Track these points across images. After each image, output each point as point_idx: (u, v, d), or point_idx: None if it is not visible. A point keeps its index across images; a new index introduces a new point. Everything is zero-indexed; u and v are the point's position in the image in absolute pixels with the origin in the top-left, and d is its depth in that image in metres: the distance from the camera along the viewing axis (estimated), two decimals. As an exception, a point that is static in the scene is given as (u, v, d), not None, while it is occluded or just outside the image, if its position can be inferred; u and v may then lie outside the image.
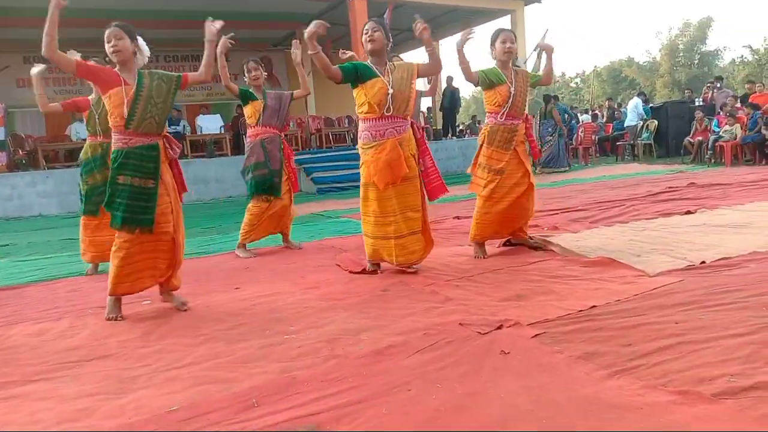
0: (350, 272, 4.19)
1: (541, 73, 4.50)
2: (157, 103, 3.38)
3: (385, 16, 12.61)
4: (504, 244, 4.73)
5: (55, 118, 13.25)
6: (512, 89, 4.25)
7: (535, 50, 15.76)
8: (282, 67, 18.08)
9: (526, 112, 4.47)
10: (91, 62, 3.62)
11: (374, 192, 3.92)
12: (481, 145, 4.40)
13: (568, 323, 2.77)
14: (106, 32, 3.31)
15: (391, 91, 3.84)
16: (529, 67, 15.97)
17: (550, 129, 14.06)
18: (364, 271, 4.15)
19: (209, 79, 3.70)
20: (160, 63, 17.02)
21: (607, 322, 2.75)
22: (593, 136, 15.76)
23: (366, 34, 3.95)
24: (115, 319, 3.38)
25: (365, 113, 3.92)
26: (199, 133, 13.64)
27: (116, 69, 3.39)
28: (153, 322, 3.30)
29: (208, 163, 11.96)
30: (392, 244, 3.94)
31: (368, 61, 3.99)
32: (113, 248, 3.41)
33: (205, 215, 8.91)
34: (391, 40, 4.06)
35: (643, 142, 14.36)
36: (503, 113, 4.28)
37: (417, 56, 19.98)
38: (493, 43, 4.34)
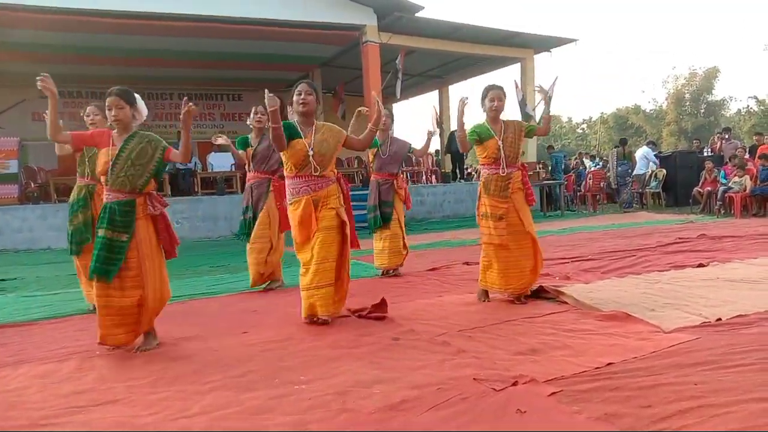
0: (359, 316, 4.15)
1: (538, 122, 4.63)
2: (135, 164, 3.58)
3: (397, 60, 12.87)
4: (516, 294, 4.68)
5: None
6: (500, 142, 4.40)
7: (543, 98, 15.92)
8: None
9: (523, 160, 4.62)
10: (89, 130, 3.88)
11: (295, 246, 4.10)
12: (480, 196, 4.56)
13: (585, 381, 2.71)
14: (107, 100, 3.58)
15: (311, 152, 3.97)
16: (538, 115, 16.29)
17: (629, 170, 14.38)
18: (363, 313, 4.14)
19: (187, 161, 3.94)
20: (174, 100, 17.32)
21: (624, 381, 2.69)
22: (601, 183, 15.80)
23: (299, 95, 4.06)
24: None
25: (286, 172, 4.10)
26: (210, 170, 13.76)
27: (115, 130, 3.65)
28: (161, 366, 3.25)
29: (218, 201, 12.01)
30: (309, 296, 4.02)
31: (295, 121, 4.12)
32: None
33: (214, 253, 8.92)
34: (321, 102, 4.22)
35: (651, 190, 14.38)
36: (494, 164, 4.46)
37: (428, 100, 20.23)
38: (483, 100, 4.54)
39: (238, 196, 12.33)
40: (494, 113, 4.47)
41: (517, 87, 15.49)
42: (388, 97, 17.59)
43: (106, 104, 3.60)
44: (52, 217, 10.43)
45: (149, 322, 3.67)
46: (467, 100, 4.38)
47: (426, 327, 3.81)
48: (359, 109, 5.91)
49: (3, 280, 6.92)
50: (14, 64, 13.78)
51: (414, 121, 66.84)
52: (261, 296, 5.36)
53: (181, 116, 3.66)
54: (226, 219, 11.63)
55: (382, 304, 4.17)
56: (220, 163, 13.65)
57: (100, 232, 3.54)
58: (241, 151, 5.61)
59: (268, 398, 2.67)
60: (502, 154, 4.41)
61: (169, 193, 13.01)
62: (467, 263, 6.45)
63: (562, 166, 16.61)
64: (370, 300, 4.65)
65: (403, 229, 6.15)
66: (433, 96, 19.93)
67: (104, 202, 3.61)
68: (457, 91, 19.45)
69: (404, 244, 6.11)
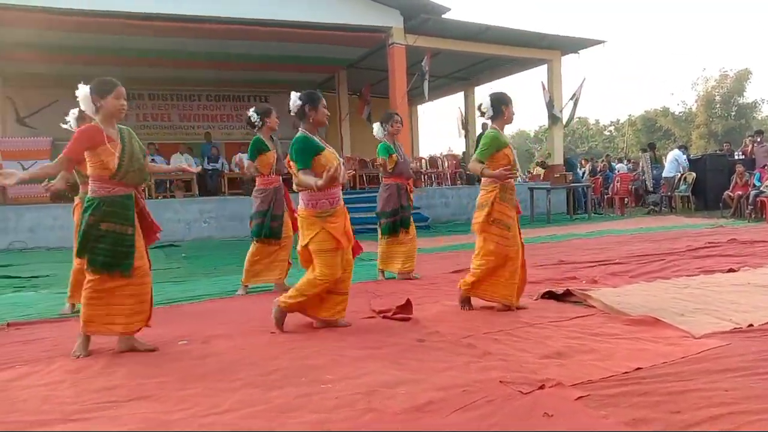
0: (384, 317, 4.17)
1: (566, 124, 4.70)
2: (139, 158, 3.63)
3: (423, 62, 12.86)
4: (543, 296, 4.66)
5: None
6: (515, 151, 4.53)
7: (571, 99, 15.87)
8: (319, 109, 18.38)
9: (549, 162, 4.64)
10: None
11: (331, 257, 3.87)
12: (492, 203, 4.30)
13: (613, 385, 2.69)
14: (118, 89, 3.61)
15: (342, 160, 4.03)
16: (565, 116, 16.14)
17: (660, 173, 14.68)
18: (388, 314, 4.17)
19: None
20: (202, 102, 17.54)
21: (653, 386, 2.67)
22: (629, 186, 15.60)
23: (326, 108, 4.05)
24: (79, 357, 3.48)
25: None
26: (236, 170, 13.89)
27: (97, 123, 3.55)
28: (190, 363, 3.31)
29: (244, 201, 12.10)
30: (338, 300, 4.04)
31: (306, 133, 3.95)
32: (84, 289, 3.55)
33: (241, 252, 8.97)
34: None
35: (680, 194, 14.16)
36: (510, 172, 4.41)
37: (453, 101, 20.19)
38: (504, 106, 4.47)
39: (265, 196, 12.45)
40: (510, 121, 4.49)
41: (544, 89, 15.38)
42: (414, 98, 17.61)
43: (116, 93, 3.60)
44: (83, 216, 10.62)
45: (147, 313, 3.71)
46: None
47: (451, 329, 3.81)
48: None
49: (36, 277, 7.09)
50: (45, 65, 14.11)
51: (439, 122, 66.52)
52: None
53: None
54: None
55: (407, 305, 4.18)
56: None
57: (104, 226, 3.49)
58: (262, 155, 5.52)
59: (295, 396, 2.70)
60: (517, 163, 4.47)
61: (197, 193, 13.20)
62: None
63: (578, 169, 16.56)
64: (393, 301, 4.68)
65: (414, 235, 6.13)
66: (458, 97, 19.89)
67: (102, 196, 3.50)
68: (483, 92, 19.38)
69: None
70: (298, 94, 4.02)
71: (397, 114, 6.16)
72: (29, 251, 10.11)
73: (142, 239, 3.67)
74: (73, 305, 4.80)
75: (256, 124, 5.47)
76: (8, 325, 4.43)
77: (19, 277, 7.04)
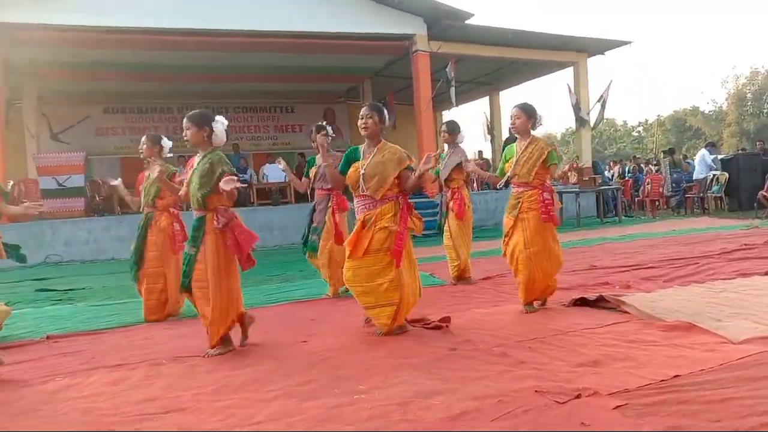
0: (423, 326, 4.16)
1: (593, 127, 4.73)
2: (201, 182, 3.78)
3: (447, 69, 12.85)
4: (575, 303, 4.61)
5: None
6: (514, 159, 4.54)
7: (598, 101, 15.69)
8: (344, 118, 18.55)
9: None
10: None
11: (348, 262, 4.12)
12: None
13: (651, 394, 2.65)
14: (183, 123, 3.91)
15: (362, 171, 4.01)
16: (592, 119, 15.95)
17: (682, 177, 14.61)
18: (426, 325, 4.14)
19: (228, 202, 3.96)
20: (230, 113, 17.76)
21: (692, 395, 2.61)
22: (660, 188, 15.34)
23: (361, 119, 4.11)
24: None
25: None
26: (264, 181, 14.05)
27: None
28: (225, 374, 3.35)
29: (272, 211, 12.26)
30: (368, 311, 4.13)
31: (365, 144, 4.18)
32: None
33: (270, 262, 9.08)
34: (386, 122, 4.17)
35: (713, 195, 13.88)
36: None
37: (479, 106, 20.15)
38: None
39: (292, 206, 12.60)
40: (514, 129, 4.64)
41: (570, 91, 15.25)
42: (438, 104, 17.60)
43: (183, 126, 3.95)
44: (116, 229, 10.86)
45: (215, 334, 3.80)
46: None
47: (483, 337, 3.79)
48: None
49: (72, 289, 7.24)
50: (78, 83, 14.48)
51: (465, 127, 66.23)
52: (317, 305, 5.44)
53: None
54: (280, 229, 11.85)
55: (445, 320, 4.15)
56: (275, 174, 13.92)
57: (185, 248, 3.94)
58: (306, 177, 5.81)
59: (330, 407, 2.71)
60: (512, 171, 4.55)
61: (226, 204, 13.35)
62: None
63: (607, 171, 16.43)
64: (424, 309, 4.68)
65: (455, 239, 6.13)
66: (483, 102, 19.83)
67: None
68: (508, 96, 19.30)
69: (458, 255, 6.09)
70: None
71: (444, 123, 6.30)
72: (64, 264, 10.34)
73: (212, 264, 3.75)
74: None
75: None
76: (48, 337, 4.54)
77: (56, 290, 7.20)
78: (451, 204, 6.13)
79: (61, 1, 10.78)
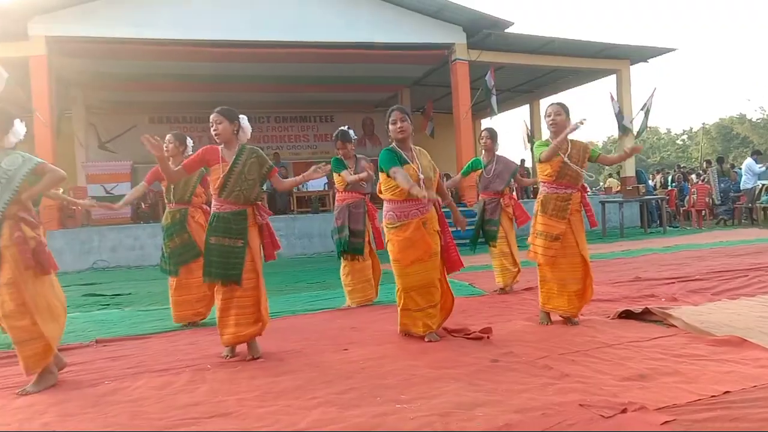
0: (464, 336, 4.13)
1: (636, 136, 4.58)
2: (248, 179, 3.86)
3: (487, 77, 12.81)
4: (619, 316, 4.52)
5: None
6: (566, 160, 4.32)
7: (642, 109, 15.40)
8: (383, 127, 18.56)
9: (623, 174, 4.51)
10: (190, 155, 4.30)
11: (400, 269, 4.10)
12: (536, 214, 4.50)
13: (701, 410, 2.57)
14: (210, 116, 3.91)
15: (422, 176, 4.02)
16: (636, 126, 15.65)
17: (731, 186, 14.37)
18: (468, 335, 4.11)
19: (283, 188, 4.28)
20: (271, 123, 18.05)
21: (744, 412, 2.53)
22: (707, 198, 14.95)
23: (395, 124, 4.10)
24: (226, 358, 3.89)
25: (392, 195, 4.09)
26: (304, 189, 14.19)
27: (221, 146, 3.92)
28: (267, 381, 3.39)
29: (312, 219, 12.37)
30: (417, 315, 4.11)
31: (393, 146, 4.17)
32: (216, 301, 3.92)
33: (310, 270, 9.17)
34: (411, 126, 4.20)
35: (762, 205, 13.45)
36: (554, 183, 4.40)
37: (518, 114, 20.02)
38: (545, 116, 4.54)
39: (332, 214, 12.66)
40: (554, 128, 4.41)
41: (612, 99, 15.01)
42: (477, 113, 17.53)
43: (210, 121, 3.93)
44: (161, 235, 11.07)
45: (265, 326, 3.93)
46: (584, 121, 4.21)
47: (525, 349, 3.74)
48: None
49: (118, 295, 7.44)
50: (125, 93, 14.92)
51: (503, 135, 65.88)
52: (358, 313, 5.46)
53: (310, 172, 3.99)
54: (320, 236, 11.95)
55: (486, 331, 4.11)
56: (315, 182, 14.06)
57: (213, 240, 3.84)
58: (343, 172, 5.72)
59: (372, 416, 2.71)
60: (561, 172, 4.35)
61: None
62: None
63: (648, 181, 16.09)
64: (465, 319, 4.65)
65: (513, 246, 6.10)
66: (523, 111, 19.67)
67: (214, 212, 3.89)
68: (545, 107, 19.13)
69: (514, 262, 6.06)
70: None
71: (484, 129, 6.28)
72: (111, 270, 10.63)
73: (257, 256, 3.91)
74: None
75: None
76: (96, 341, 4.68)
77: (104, 295, 7.41)
78: (510, 210, 6.15)
79: (110, 15, 11.16)
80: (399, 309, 4.22)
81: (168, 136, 5.30)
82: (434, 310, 4.11)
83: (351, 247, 5.64)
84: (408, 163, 4.04)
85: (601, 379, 3.09)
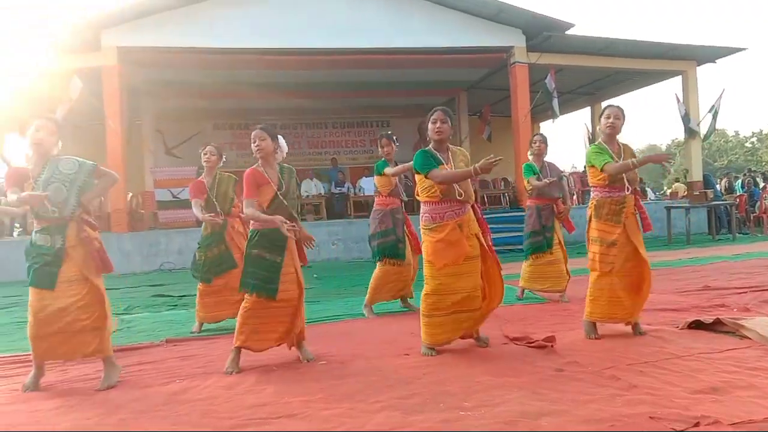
0: (526, 345, 4.09)
1: (704, 138, 4.40)
2: (291, 198, 4.00)
3: (547, 80, 12.62)
4: (689, 326, 4.38)
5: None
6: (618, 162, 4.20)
7: (710, 111, 14.84)
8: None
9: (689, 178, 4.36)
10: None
11: (434, 271, 4.01)
12: (590, 220, 4.39)
13: (779, 427, 2.48)
14: (252, 133, 4.00)
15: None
16: (703, 129, 15.09)
17: None
18: (530, 343, 4.06)
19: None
20: (328, 129, 18.28)
21: (827, 430, 2.42)
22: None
23: (434, 124, 4.07)
24: (231, 374, 3.78)
25: (427, 197, 4.03)
26: (361, 194, 14.34)
27: (258, 164, 4.00)
28: (331, 383, 3.45)
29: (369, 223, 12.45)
30: (450, 319, 4.00)
31: (429, 147, 4.13)
32: (241, 307, 3.95)
33: (367, 274, 9.21)
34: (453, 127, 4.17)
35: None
36: (607, 187, 4.28)
37: (579, 117, 19.62)
38: (599, 117, 4.41)
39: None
40: (610, 130, 4.29)
41: (678, 101, 14.53)
42: (536, 116, 17.28)
43: (252, 137, 4.01)
44: (224, 239, 11.41)
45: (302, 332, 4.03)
46: (671, 161, 4.15)
47: (590, 359, 3.67)
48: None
49: (185, 296, 7.69)
50: (190, 101, 15.43)
51: (563, 138, 64.60)
52: (416, 318, 5.45)
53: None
54: (377, 241, 12.00)
55: (549, 340, 4.05)
56: (371, 186, 14.17)
57: (255, 252, 3.92)
58: (385, 169, 5.72)
59: (436, 422, 2.73)
60: (624, 177, 4.22)
61: (325, 216, 13.73)
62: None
63: (716, 186, 15.41)
64: (526, 327, 4.60)
65: (566, 253, 6.05)
66: (584, 113, 19.27)
67: (255, 229, 3.96)
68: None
69: (567, 270, 5.99)
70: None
71: (537, 134, 6.23)
72: (177, 271, 10.99)
73: (298, 264, 4.02)
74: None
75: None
76: (166, 341, 4.86)
77: (171, 296, 7.68)
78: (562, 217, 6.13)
79: (176, 26, 11.61)
80: (421, 316, 4.10)
81: (209, 148, 5.41)
82: (468, 315, 4.01)
83: (396, 251, 5.67)
84: (442, 163, 4.02)
85: (671, 391, 3.00)
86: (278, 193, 3.93)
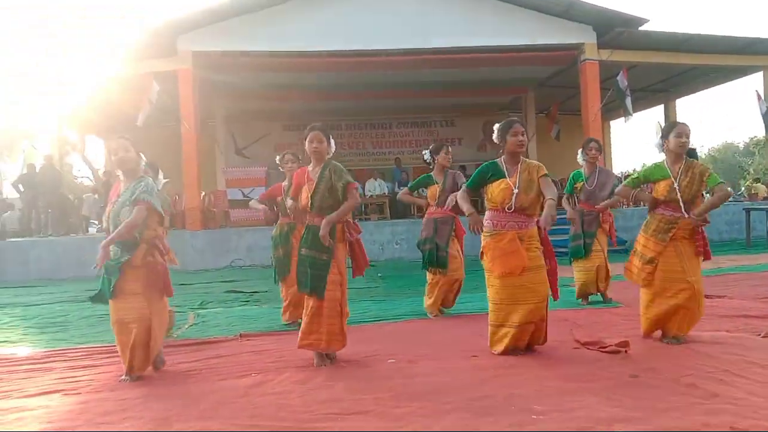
0: (599, 350, 4.02)
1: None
2: (332, 194, 3.99)
3: (619, 77, 12.29)
4: (771, 335, 4.19)
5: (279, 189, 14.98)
6: (676, 184, 4.12)
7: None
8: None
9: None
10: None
11: (495, 279, 4.03)
12: (640, 232, 4.36)
13: None
14: (309, 134, 4.10)
15: (515, 191, 3.96)
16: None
17: None
18: (603, 348, 3.98)
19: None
20: (393, 129, 18.36)
21: None
22: None
23: (515, 136, 4.07)
24: (322, 367, 3.93)
25: (489, 204, 4.11)
26: (424, 194, 14.28)
27: (310, 165, 4.11)
28: (401, 382, 3.50)
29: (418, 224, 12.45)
30: (511, 332, 3.97)
31: (501, 159, 4.13)
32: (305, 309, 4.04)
33: (418, 276, 9.24)
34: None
35: None
36: (662, 205, 4.22)
37: (652, 115, 18.92)
38: (666, 136, 4.27)
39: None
40: (682, 150, 4.19)
41: (759, 98, 13.83)
42: (606, 114, 16.81)
43: (308, 138, 4.09)
44: (290, 237, 11.68)
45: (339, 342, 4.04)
46: None
47: (667, 366, 3.57)
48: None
49: (256, 292, 7.95)
50: (259, 102, 15.84)
51: (635, 137, 62.37)
52: (483, 320, 5.44)
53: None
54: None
55: (623, 345, 3.97)
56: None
57: (304, 251, 4.02)
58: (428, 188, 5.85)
59: (507, 425, 2.73)
60: (679, 197, 4.11)
61: (389, 215, 13.81)
62: (708, 296, 5.88)
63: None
64: (596, 331, 4.52)
65: (606, 260, 5.96)
66: (656, 111, 18.60)
67: (307, 224, 4.09)
68: (686, 104, 17.95)
69: (607, 274, 5.94)
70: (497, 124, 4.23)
71: (593, 140, 6.13)
72: (247, 268, 11.34)
73: (343, 269, 4.04)
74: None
75: (429, 163, 5.86)
76: (241, 335, 5.04)
77: (243, 292, 7.94)
78: (607, 226, 6.07)
79: (246, 31, 12.05)
80: (489, 324, 4.13)
81: (288, 156, 5.57)
82: (524, 328, 3.97)
83: (436, 260, 5.68)
84: (504, 177, 4.04)
85: (754, 401, 2.89)
86: (315, 189, 4.01)
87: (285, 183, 5.56)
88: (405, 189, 6.31)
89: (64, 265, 11.21)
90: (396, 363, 3.95)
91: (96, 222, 14.55)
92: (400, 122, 18.39)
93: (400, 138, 18.44)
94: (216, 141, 15.75)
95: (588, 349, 4.06)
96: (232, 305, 6.90)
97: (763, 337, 4.20)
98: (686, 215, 4.11)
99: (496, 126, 4.21)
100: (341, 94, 15.24)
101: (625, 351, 3.88)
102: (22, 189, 13.08)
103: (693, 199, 4.15)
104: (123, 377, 3.81)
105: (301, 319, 5.17)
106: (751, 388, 3.10)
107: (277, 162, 5.63)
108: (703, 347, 4.02)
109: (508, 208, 3.98)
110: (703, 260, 4.22)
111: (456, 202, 5.66)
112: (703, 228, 4.21)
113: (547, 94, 16.47)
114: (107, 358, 4.41)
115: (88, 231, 14.07)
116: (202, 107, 13.68)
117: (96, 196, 14.18)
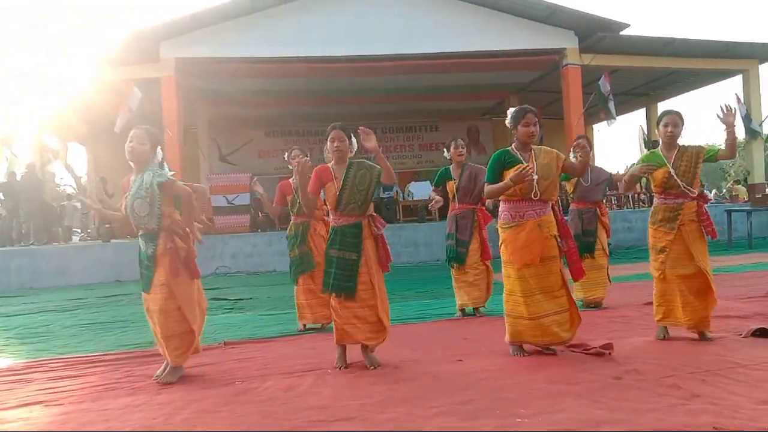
0: (583, 352, 4.03)
1: (723, 147, 4.31)
2: (360, 191, 3.95)
3: (601, 82, 12.41)
4: (753, 334, 4.23)
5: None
6: (672, 170, 4.19)
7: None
8: (488, 135, 18.49)
9: (698, 189, 4.29)
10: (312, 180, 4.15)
11: (513, 271, 4.02)
12: (649, 225, 4.41)
13: None
14: (331, 133, 4.01)
15: (535, 176, 3.91)
16: (765, 129, 14.48)
17: None
18: (587, 350, 4.00)
19: (392, 181, 4.12)
20: (377, 134, 18.23)
21: None
22: None
23: (527, 126, 4.06)
24: (341, 369, 3.96)
25: (506, 195, 4.02)
26: (410, 198, 14.38)
27: (332, 163, 4.05)
28: (387, 387, 3.49)
29: (418, 228, 12.50)
30: (533, 324, 3.97)
31: (512, 147, 4.14)
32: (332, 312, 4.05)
33: (418, 278, 9.26)
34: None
35: None
36: (662, 193, 4.29)
37: (634, 119, 19.13)
38: (658, 125, 4.36)
39: (438, 223, 12.75)
40: (669, 139, 4.28)
41: (739, 101, 14.04)
42: (589, 118, 16.97)
43: (330, 137, 4.03)
44: (276, 243, 11.66)
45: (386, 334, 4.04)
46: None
47: (650, 367, 3.60)
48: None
49: (240, 299, 7.89)
50: (242, 109, 15.82)
51: (616, 141, 63.06)
52: (470, 324, 5.47)
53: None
54: (426, 245, 12.05)
55: (607, 347, 3.99)
56: (420, 191, 14.23)
57: (333, 252, 3.99)
58: (447, 184, 5.86)
59: (493, 428, 2.73)
60: (679, 182, 4.18)
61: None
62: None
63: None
64: (583, 334, 4.53)
65: (608, 259, 5.97)
66: (638, 114, 18.80)
67: (333, 226, 4.05)
68: (666, 107, 18.19)
69: (608, 276, 5.91)
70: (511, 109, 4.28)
71: (580, 137, 6.11)
72: (232, 275, 11.28)
73: (375, 266, 4.02)
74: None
75: (450, 159, 5.90)
76: (224, 343, 5.00)
77: (227, 299, 7.88)
78: (606, 220, 6.07)
79: (229, 37, 12.06)
80: (505, 315, 4.13)
81: (296, 152, 5.49)
82: (559, 316, 3.99)
83: (456, 256, 5.74)
84: (520, 162, 4.00)
85: (735, 401, 2.92)
86: (342, 188, 3.95)
87: (293, 180, 5.52)
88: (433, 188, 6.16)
89: (46, 274, 11.08)
90: (382, 368, 3.94)
91: (79, 230, 14.38)
92: (385, 127, 18.46)
93: (384, 143, 18.49)
94: (199, 148, 15.66)
95: (572, 351, 4.08)
96: (216, 313, 6.84)
97: (744, 337, 4.24)
98: (691, 192, 4.19)
99: (510, 110, 4.24)
100: (324, 100, 15.25)
101: (609, 353, 3.90)
102: (2, 198, 12.92)
103: (691, 183, 4.23)
104: (156, 373, 3.92)
105: (319, 323, 5.40)
106: (733, 388, 3.13)
107: (285, 158, 5.62)
108: (685, 347, 4.06)
109: (534, 195, 3.96)
110: (711, 238, 4.27)
111: (455, 198, 5.77)
112: (707, 209, 4.29)
113: (530, 98, 16.54)
114: (89, 368, 4.36)
115: (71, 239, 13.91)
116: (185, 114, 13.62)
117: (78, 204, 14.04)
